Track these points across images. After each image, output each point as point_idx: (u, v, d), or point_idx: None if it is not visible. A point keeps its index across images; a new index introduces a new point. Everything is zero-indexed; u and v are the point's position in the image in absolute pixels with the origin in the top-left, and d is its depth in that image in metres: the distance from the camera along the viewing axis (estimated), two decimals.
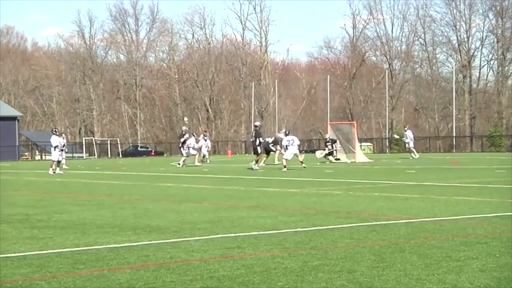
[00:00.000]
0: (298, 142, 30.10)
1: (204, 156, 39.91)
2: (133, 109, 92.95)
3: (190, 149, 36.90)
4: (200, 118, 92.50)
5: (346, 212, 11.38)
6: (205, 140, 40.33)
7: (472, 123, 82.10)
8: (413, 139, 42.89)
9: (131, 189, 18.67)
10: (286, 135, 30.12)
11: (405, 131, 43.90)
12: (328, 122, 53.24)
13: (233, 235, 8.80)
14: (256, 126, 30.29)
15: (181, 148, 37.10)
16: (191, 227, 9.70)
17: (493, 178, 20.74)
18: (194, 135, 37.73)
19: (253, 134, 29.67)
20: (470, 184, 18.21)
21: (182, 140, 36.98)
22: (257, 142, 29.30)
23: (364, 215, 10.91)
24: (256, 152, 29.55)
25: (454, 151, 67.86)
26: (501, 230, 8.97)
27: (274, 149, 33.98)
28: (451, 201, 13.15)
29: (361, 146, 46.51)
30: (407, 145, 43.06)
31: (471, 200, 13.32)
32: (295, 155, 29.76)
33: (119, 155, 76.84)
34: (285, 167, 28.61)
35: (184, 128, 38.54)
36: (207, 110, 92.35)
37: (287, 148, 29.77)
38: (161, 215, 11.41)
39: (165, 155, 77.10)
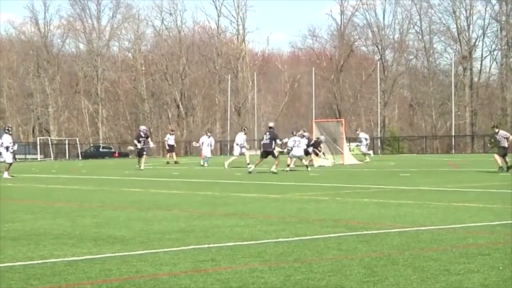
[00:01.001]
0: (305, 146, 31.50)
1: (206, 157, 39.67)
2: (94, 105, 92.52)
3: (241, 148, 36.29)
4: (169, 115, 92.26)
5: (333, 220, 11.42)
6: (208, 137, 40.30)
7: (473, 121, 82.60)
8: (367, 140, 42.96)
9: (92, 195, 18.60)
10: (293, 135, 31.71)
11: (358, 134, 43.92)
12: (313, 119, 53.34)
13: (206, 246, 8.80)
14: (271, 128, 30.42)
15: (137, 150, 36.67)
16: (159, 238, 9.69)
17: (496, 182, 20.90)
18: (244, 129, 37.12)
19: (268, 136, 29.56)
20: (471, 188, 18.33)
21: (137, 143, 36.26)
22: (273, 145, 29.37)
23: (353, 224, 10.95)
24: (272, 155, 29.52)
25: (453, 152, 68.26)
26: (505, 240, 9.05)
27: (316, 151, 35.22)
28: (449, 207, 13.23)
29: (349, 146, 46.62)
30: (361, 148, 43.02)
31: (471, 206, 13.41)
32: (299, 158, 31.68)
33: (78, 156, 76.48)
34: (288, 165, 30.56)
35: (142, 127, 38.08)
36: (178, 106, 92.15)
37: (291, 150, 31.69)
38: (125, 224, 11.38)
39: (130, 156, 76.79)
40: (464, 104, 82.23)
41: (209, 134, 41.29)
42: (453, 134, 74.09)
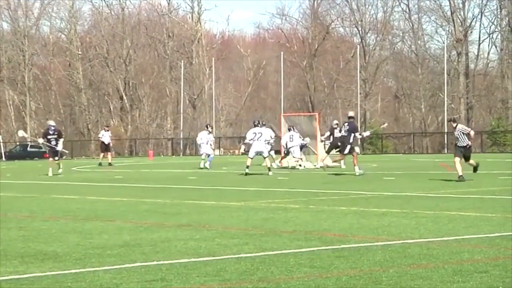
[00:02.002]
0: (270, 138, 30.56)
1: (209, 156, 38.72)
2: (20, 95, 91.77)
3: (297, 147, 35.79)
4: (111, 108, 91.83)
5: (305, 232, 11.45)
6: (209, 133, 39.45)
7: (469, 115, 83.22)
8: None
9: (18, 203, 18.48)
10: (255, 125, 30.79)
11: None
12: (282, 113, 53.46)
13: (155, 263, 8.78)
14: (351, 118, 30.28)
15: (47, 149, 35.38)
16: (99, 254, 9.66)
17: (495, 186, 21.08)
18: (293, 129, 36.90)
19: (347, 128, 29.40)
20: (466, 194, 18.48)
21: (41, 140, 34.98)
22: (351, 139, 29.19)
23: (329, 236, 10.99)
24: (351, 150, 29.35)
25: (446, 151, 68.72)
26: (505, 254, 9.13)
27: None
28: (441, 217, 13.33)
29: (324, 144, 46.73)
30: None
31: (467, 215, 13.53)
32: (260, 154, 30.46)
33: (1, 157, 75.84)
34: (247, 167, 29.56)
35: (50, 123, 37.09)
36: (121, 98, 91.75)
37: (251, 145, 30.46)
38: (59, 238, 11.33)
39: (64, 157, 76.37)
40: (458, 95, 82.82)
41: (209, 129, 40.13)
42: (446, 130, 74.46)
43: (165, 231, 11.90)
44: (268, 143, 30.92)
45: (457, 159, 23.68)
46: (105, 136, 45.80)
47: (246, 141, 32.00)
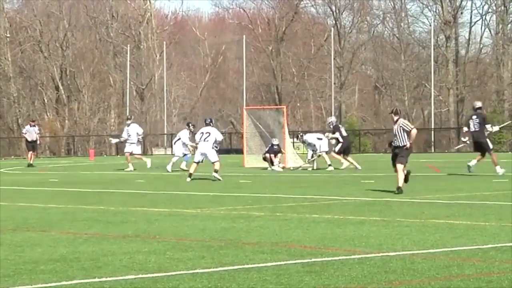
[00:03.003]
0: (220, 138, 29.78)
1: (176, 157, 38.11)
2: None
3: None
4: (45, 99, 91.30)
5: (271, 244, 11.48)
6: (191, 131, 38.81)
7: (459, 109, 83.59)
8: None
9: None
10: (206, 124, 29.87)
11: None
12: (244, 106, 53.48)
13: (97, 280, 8.76)
14: (479, 109, 29.10)
15: None
16: (31, 269, 9.62)
17: (489, 191, 21.22)
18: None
19: (477, 121, 28.02)
20: (456, 200, 18.58)
21: None
22: (485, 132, 28.10)
23: (298, 248, 11.01)
24: (486, 148, 28.28)
25: (433, 150, 69.12)
26: (500, 268, 9.20)
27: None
28: (427, 226, 13.40)
29: (293, 143, 46.89)
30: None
31: (456, 224, 13.61)
32: (206, 157, 29.42)
33: None
34: (190, 175, 28.68)
35: None
36: (57, 88, 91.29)
37: (196, 147, 29.65)
38: None
39: None
40: (447, 86, 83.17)
41: (191, 129, 39.26)
42: (433, 126, 74.93)
43: (108, 243, 11.87)
44: (215, 146, 29.68)
45: (400, 166, 21.60)
46: (31, 132, 45.48)
47: (196, 141, 31.04)
